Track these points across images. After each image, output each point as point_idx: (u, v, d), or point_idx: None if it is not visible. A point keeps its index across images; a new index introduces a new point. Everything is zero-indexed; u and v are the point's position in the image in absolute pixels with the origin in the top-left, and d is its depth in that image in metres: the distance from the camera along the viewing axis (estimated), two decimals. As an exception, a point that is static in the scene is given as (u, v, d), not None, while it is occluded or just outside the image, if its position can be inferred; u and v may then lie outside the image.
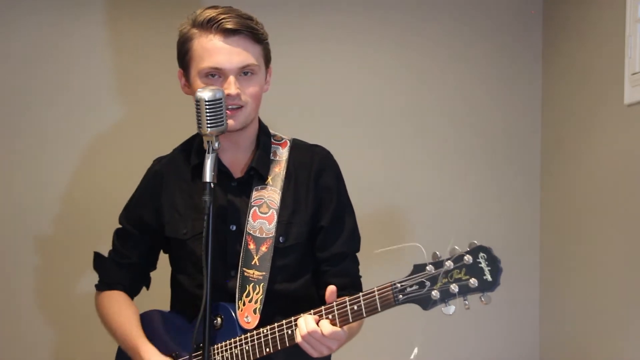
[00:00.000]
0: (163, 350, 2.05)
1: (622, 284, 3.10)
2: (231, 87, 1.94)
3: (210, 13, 1.96)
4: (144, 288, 2.27)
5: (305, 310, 1.89)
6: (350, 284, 2.08)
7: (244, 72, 1.97)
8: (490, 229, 3.68)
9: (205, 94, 1.85)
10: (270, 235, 2.02)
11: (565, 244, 3.55)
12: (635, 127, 3.02)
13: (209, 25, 1.95)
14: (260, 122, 2.12)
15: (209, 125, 1.86)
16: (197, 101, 1.86)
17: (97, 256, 2.25)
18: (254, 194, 2.06)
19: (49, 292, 3.47)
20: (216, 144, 1.88)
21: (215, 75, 1.96)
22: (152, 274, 2.27)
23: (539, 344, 3.72)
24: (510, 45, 3.74)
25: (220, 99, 1.86)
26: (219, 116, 1.86)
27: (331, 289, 1.86)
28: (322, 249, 2.09)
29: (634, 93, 3.00)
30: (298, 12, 3.62)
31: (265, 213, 2.04)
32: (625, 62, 3.04)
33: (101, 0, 3.51)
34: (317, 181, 2.09)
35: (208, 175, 1.85)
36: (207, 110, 1.85)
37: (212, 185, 1.85)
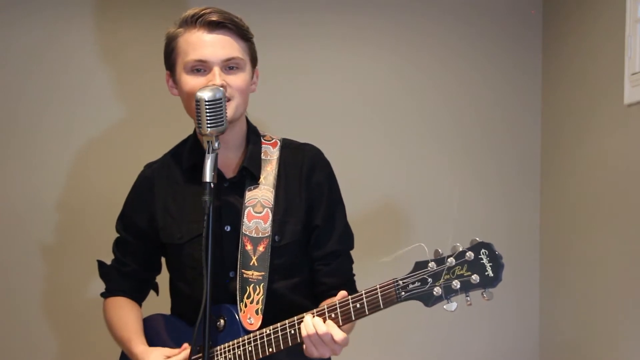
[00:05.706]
0: None
1: (622, 284, 3.10)
2: (215, 78, 1.92)
3: (194, 10, 1.97)
4: (154, 293, 2.26)
5: (306, 307, 1.90)
6: (343, 283, 2.06)
7: (229, 65, 1.95)
8: (490, 228, 3.67)
9: (205, 93, 1.84)
10: (267, 235, 2.01)
11: (565, 244, 3.55)
12: (635, 127, 3.02)
13: (193, 20, 1.95)
14: (248, 122, 2.11)
15: (209, 125, 1.85)
16: (197, 101, 1.84)
17: (101, 265, 2.25)
18: (247, 195, 2.04)
19: (49, 297, 3.46)
20: (216, 144, 1.86)
21: (200, 69, 1.95)
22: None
23: (539, 344, 3.72)
24: (510, 45, 3.74)
25: (220, 98, 1.85)
26: (219, 116, 1.85)
27: (342, 294, 1.86)
28: (315, 248, 2.08)
29: (633, 93, 3.00)
30: (298, 11, 3.61)
31: (260, 212, 2.03)
32: (625, 62, 3.04)
33: (96, 0, 3.51)
34: (309, 180, 2.08)
35: (208, 175, 1.83)
36: (207, 110, 1.84)
37: (212, 185, 1.83)
